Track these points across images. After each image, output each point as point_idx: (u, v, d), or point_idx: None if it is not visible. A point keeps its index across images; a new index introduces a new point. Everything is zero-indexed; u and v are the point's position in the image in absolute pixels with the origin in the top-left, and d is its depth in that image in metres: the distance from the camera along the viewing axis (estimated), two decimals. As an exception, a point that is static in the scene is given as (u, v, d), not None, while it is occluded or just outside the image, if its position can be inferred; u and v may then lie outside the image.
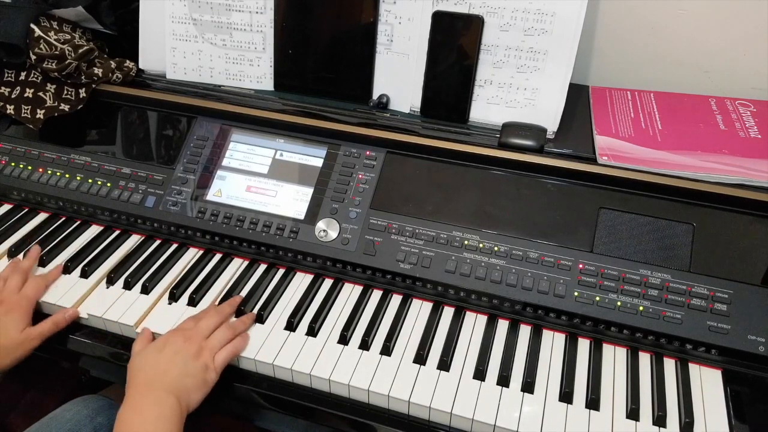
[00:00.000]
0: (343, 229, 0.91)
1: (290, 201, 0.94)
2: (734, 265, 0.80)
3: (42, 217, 1.05)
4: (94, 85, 1.04)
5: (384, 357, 0.81)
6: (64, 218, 1.04)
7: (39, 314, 0.89)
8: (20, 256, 0.96)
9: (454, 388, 0.77)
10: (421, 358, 0.80)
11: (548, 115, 0.95)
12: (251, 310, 0.87)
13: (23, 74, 1.04)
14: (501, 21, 0.92)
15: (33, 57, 0.99)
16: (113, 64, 1.04)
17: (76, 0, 1.02)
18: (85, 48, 1.00)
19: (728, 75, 1.04)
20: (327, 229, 0.91)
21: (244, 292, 0.90)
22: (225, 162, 0.99)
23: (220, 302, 0.88)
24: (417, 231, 0.88)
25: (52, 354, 0.92)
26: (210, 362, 0.78)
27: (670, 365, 0.80)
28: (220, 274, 0.94)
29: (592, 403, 0.75)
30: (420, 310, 0.88)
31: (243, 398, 0.84)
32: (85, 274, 0.93)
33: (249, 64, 1.06)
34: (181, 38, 1.06)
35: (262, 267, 0.95)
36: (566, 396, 0.76)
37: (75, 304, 0.88)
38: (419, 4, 0.95)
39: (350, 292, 0.91)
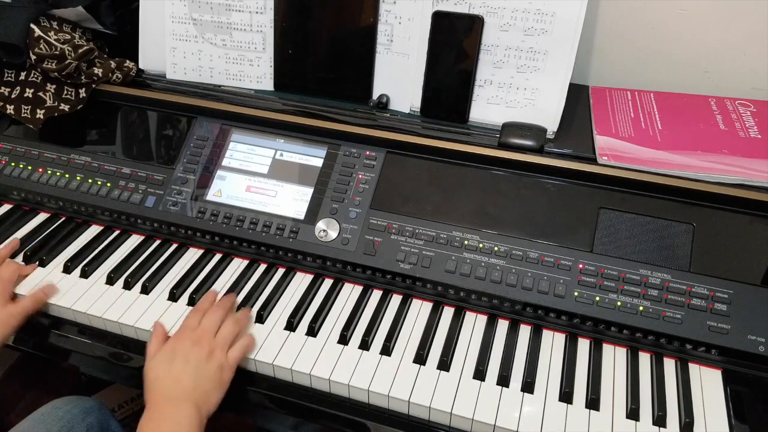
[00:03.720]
0: (343, 229, 0.91)
1: (290, 201, 0.94)
2: (734, 265, 0.80)
3: (42, 217, 1.05)
4: (94, 85, 1.04)
5: (384, 357, 0.81)
6: (64, 218, 1.04)
7: (40, 314, 0.90)
8: (19, 256, 0.97)
9: (454, 388, 0.77)
10: (421, 358, 0.80)
11: (548, 115, 0.95)
12: (251, 310, 0.87)
13: (23, 74, 1.04)
14: (501, 21, 0.92)
15: (33, 57, 0.99)
16: (113, 64, 1.04)
17: (76, 0, 1.02)
18: (85, 48, 1.00)
19: (728, 75, 1.04)
20: (327, 229, 0.91)
21: (244, 292, 0.90)
22: (225, 162, 0.99)
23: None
24: (417, 231, 0.88)
25: (52, 354, 0.92)
26: (223, 360, 0.77)
27: (670, 365, 0.80)
28: (220, 274, 0.94)
29: (592, 403, 0.75)
30: (420, 310, 0.88)
31: (243, 398, 0.84)
32: (85, 274, 0.93)
33: (249, 64, 1.06)
34: (181, 38, 1.06)
35: (262, 267, 0.95)
36: (566, 396, 0.76)
37: (75, 304, 0.88)
38: (419, 4, 0.95)
39: (350, 292, 0.91)
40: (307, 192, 0.94)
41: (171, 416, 0.72)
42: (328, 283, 0.92)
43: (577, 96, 1.02)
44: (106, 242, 0.99)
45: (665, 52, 1.05)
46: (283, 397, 0.81)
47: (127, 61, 1.06)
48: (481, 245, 0.86)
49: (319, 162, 0.96)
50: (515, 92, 0.96)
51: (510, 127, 0.93)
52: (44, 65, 0.99)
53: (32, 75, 1.04)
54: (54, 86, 1.03)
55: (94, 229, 1.02)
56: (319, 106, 1.01)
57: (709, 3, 0.98)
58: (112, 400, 1.39)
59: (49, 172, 1.03)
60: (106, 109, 1.07)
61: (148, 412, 0.73)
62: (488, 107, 0.98)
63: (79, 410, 0.92)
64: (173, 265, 0.95)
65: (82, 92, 1.04)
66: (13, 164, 1.05)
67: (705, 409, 0.75)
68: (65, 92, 1.03)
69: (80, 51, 0.99)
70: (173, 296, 0.89)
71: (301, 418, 0.83)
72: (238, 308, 0.87)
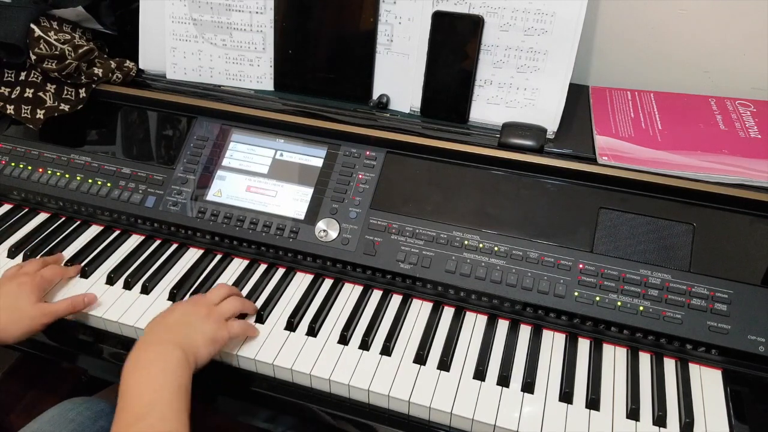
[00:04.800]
0: (343, 229, 0.91)
1: (290, 201, 0.94)
2: (734, 265, 0.80)
3: (42, 217, 1.05)
4: (94, 85, 1.04)
5: (384, 357, 0.81)
6: (64, 218, 1.04)
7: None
8: (20, 256, 0.97)
9: (454, 388, 0.77)
10: (421, 358, 0.80)
11: (548, 115, 0.95)
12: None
13: (23, 74, 1.04)
14: (501, 21, 0.92)
15: (33, 57, 0.99)
16: (113, 64, 1.04)
17: (76, 0, 1.02)
18: (85, 48, 1.00)
19: (728, 75, 1.04)
20: (327, 229, 0.91)
21: (244, 292, 0.90)
22: (225, 162, 0.99)
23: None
24: (417, 231, 0.88)
25: (51, 354, 0.92)
26: (221, 322, 0.78)
27: (670, 365, 0.80)
28: (221, 274, 0.94)
29: (592, 403, 0.75)
30: (420, 310, 0.88)
31: (243, 398, 0.84)
32: (85, 274, 0.93)
33: (249, 64, 1.06)
34: (181, 38, 1.06)
35: (262, 267, 0.95)
36: (566, 396, 0.76)
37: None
38: (419, 4, 0.95)
39: (350, 292, 0.91)
40: (307, 192, 0.94)
41: (158, 358, 0.69)
42: (328, 283, 0.92)
43: (577, 96, 1.02)
44: (106, 242, 0.99)
45: (665, 52, 1.05)
46: (283, 397, 0.81)
47: (127, 61, 1.06)
48: (481, 245, 0.86)
49: (319, 162, 0.96)
50: (515, 92, 0.96)
51: (510, 127, 0.93)
52: (44, 65, 0.99)
53: (32, 75, 1.04)
54: (54, 86, 1.03)
55: (94, 229, 1.02)
56: (319, 106, 1.01)
57: (709, 3, 0.98)
58: (112, 401, 1.38)
59: (49, 172, 1.03)
60: (106, 109, 1.07)
61: (132, 357, 0.69)
62: (488, 107, 0.98)
63: (91, 413, 0.91)
64: (173, 265, 0.95)
65: (82, 92, 1.04)
66: (13, 164, 1.05)
67: (705, 409, 0.75)
68: (65, 92, 1.03)
69: (80, 51, 0.99)
70: (173, 296, 0.89)
71: (301, 418, 0.83)
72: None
